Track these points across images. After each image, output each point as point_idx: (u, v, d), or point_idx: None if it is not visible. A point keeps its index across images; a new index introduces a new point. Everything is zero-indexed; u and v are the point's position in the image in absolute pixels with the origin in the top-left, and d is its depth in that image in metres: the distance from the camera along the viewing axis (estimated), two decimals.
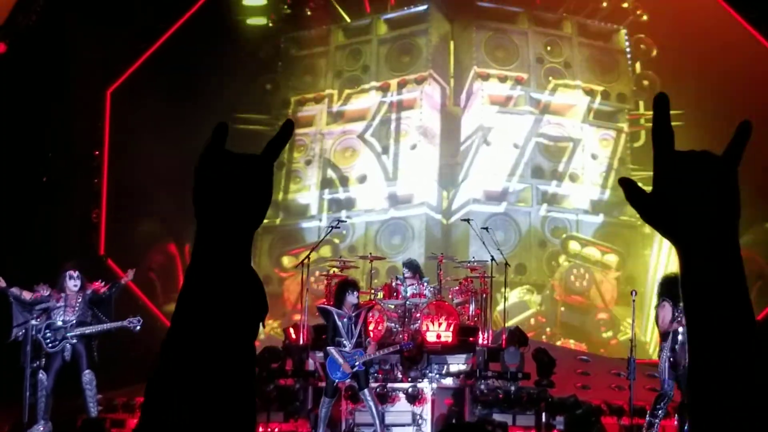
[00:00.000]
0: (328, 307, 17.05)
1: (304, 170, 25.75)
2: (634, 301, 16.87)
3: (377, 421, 16.62)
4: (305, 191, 25.65)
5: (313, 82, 26.00)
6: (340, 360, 16.41)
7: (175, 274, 24.34)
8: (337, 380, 16.50)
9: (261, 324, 2.55)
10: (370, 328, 18.51)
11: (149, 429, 2.44)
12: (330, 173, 25.64)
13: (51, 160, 23.15)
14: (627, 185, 2.63)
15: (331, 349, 16.51)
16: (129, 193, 23.89)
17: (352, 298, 16.62)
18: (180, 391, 2.44)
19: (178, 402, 2.44)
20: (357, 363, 16.37)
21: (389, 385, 17.99)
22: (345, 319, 16.50)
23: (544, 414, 17.76)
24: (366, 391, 16.54)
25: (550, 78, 25.33)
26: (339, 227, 20.36)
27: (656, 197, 2.59)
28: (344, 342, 16.42)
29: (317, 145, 25.80)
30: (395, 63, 25.65)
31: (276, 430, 17.51)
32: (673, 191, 2.58)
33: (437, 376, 18.40)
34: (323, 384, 17.02)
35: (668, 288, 15.88)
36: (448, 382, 18.38)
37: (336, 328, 16.53)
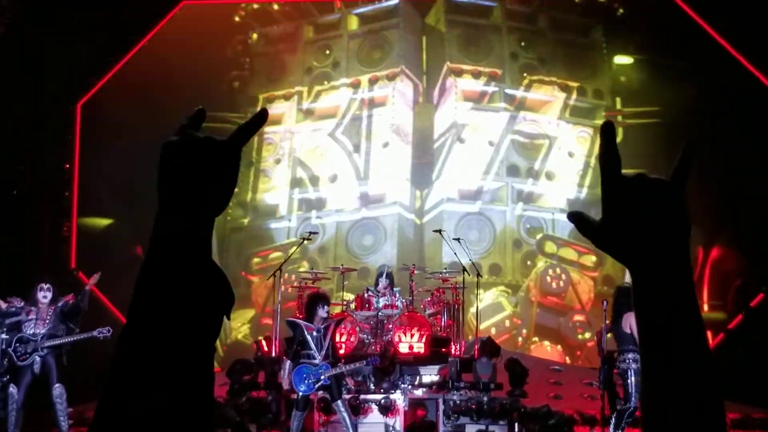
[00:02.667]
0: (297, 320, 17.55)
1: (273, 169, 25.98)
2: (605, 310, 17.08)
3: (350, 430, 17.08)
4: (274, 191, 25.87)
5: (282, 78, 26.26)
6: (284, 374, 17.28)
7: None
8: (302, 393, 16.97)
9: (226, 316, 2.53)
10: (342, 339, 19.35)
11: (104, 424, 2.42)
12: (300, 172, 25.87)
13: (21, 173, 23.69)
14: (576, 217, 2.68)
15: (286, 363, 17.31)
16: (100, 207, 24.52)
17: (322, 312, 17.17)
18: (134, 388, 2.42)
19: (133, 398, 2.42)
20: (324, 377, 16.90)
21: (362, 396, 18.56)
22: (314, 332, 17.07)
23: (516, 424, 18.39)
24: (339, 402, 17.09)
25: (525, 74, 25.70)
26: (311, 239, 20.89)
27: (606, 223, 2.65)
28: (314, 354, 16.98)
29: (287, 143, 26.08)
30: (366, 59, 25.95)
31: None
32: (622, 216, 2.63)
33: (409, 387, 18.99)
34: (296, 396, 17.41)
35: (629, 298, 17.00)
36: (421, 393, 18.92)
37: (304, 341, 17.08)
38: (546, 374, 22.22)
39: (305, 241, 20.75)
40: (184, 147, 2.59)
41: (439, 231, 20.86)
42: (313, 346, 17.16)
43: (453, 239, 20.16)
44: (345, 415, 17.16)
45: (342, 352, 19.47)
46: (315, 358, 17.09)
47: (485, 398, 18.82)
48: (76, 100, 25.10)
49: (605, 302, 17.50)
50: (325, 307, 17.40)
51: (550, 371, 22.69)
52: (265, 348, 19.89)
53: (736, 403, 19.77)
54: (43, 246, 24.15)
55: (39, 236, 24.11)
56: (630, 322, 16.20)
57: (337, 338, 19.15)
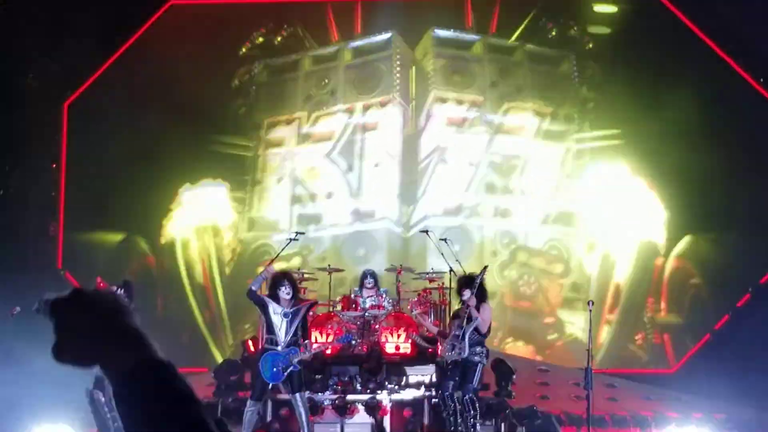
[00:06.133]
0: (265, 297, 13.30)
1: (275, 187, 22.72)
2: (590, 311, 14.31)
3: (305, 429, 13.05)
4: (275, 208, 22.58)
5: (283, 105, 22.97)
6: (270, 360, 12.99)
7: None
8: (270, 381, 12.98)
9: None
10: (329, 340, 15.42)
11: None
12: (299, 190, 22.68)
13: (8, 173, 19.65)
14: None
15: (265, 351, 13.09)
16: (87, 206, 20.58)
17: (283, 294, 13.05)
18: None
19: None
20: (293, 362, 12.87)
21: (348, 396, 14.73)
22: (280, 315, 12.96)
23: (503, 424, 14.58)
24: (298, 395, 13.03)
25: (503, 101, 22.58)
26: (297, 239, 16.68)
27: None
28: (277, 340, 12.96)
29: (287, 164, 22.82)
30: (360, 87, 22.83)
31: None
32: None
33: (396, 387, 15.05)
34: (283, 395, 13.59)
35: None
36: (408, 393, 14.94)
37: (270, 324, 13.01)
38: (533, 374, 18.39)
39: (292, 241, 16.18)
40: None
41: (426, 231, 17.05)
42: (277, 330, 12.92)
43: (440, 239, 16.26)
44: (302, 410, 12.96)
45: (329, 352, 14.64)
46: (278, 344, 12.89)
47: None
48: (63, 99, 20.93)
49: (591, 303, 14.49)
50: (286, 288, 13.09)
51: (537, 371, 18.94)
52: (252, 348, 15.91)
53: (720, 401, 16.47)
54: (29, 246, 19.74)
55: (25, 236, 19.67)
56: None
57: (321, 338, 13.99)
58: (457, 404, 13.21)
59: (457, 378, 13.37)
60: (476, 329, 13.41)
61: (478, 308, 13.49)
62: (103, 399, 13.12)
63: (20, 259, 18.42)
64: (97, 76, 21.11)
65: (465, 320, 13.42)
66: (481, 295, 13.69)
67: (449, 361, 13.52)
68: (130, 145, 19.97)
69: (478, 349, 13.49)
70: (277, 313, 12.98)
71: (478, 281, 13.66)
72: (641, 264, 21.16)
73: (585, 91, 22.36)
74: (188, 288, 21.68)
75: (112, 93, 20.59)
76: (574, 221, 21.69)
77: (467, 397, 13.27)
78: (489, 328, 13.87)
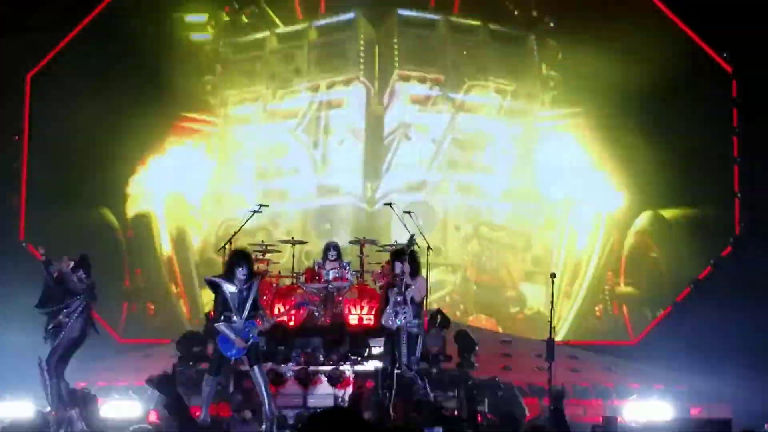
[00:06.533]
0: (216, 279, 12.84)
1: (241, 163, 22.25)
2: (553, 283, 14.00)
3: (266, 402, 12.61)
4: (241, 183, 22.13)
5: (249, 83, 22.41)
6: (232, 336, 12.49)
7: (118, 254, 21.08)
8: (232, 357, 12.65)
9: None
10: (291, 311, 15.01)
11: None
12: (264, 165, 22.21)
13: None
14: None
15: (221, 326, 12.55)
16: (51, 179, 20.01)
17: (240, 274, 12.57)
18: None
19: None
20: (252, 335, 12.52)
21: (311, 368, 14.32)
22: (236, 292, 12.53)
23: (465, 396, 13.97)
24: (256, 368, 12.65)
25: (466, 79, 22.11)
26: (261, 211, 16.45)
27: None
28: (233, 317, 12.49)
29: (253, 140, 22.31)
30: (325, 66, 22.28)
31: (197, 413, 12.91)
32: None
33: (359, 359, 14.58)
34: (244, 367, 12.97)
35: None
36: (370, 365, 14.42)
37: (226, 301, 12.55)
38: (496, 346, 17.97)
39: (255, 213, 16.17)
40: None
41: (390, 204, 16.62)
42: (233, 306, 12.52)
43: (404, 212, 15.99)
44: (261, 382, 12.64)
45: (291, 324, 14.13)
46: (234, 321, 12.48)
47: (434, 370, 14.45)
48: (26, 71, 20.29)
49: (553, 275, 14.20)
50: (244, 268, 12.64)
51: (499, 343, 18.57)
52: None
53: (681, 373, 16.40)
54: None
55: None
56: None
57: (282, 309, 13.50)
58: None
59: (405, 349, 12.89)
60: (412, 299, 12.91)
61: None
62: (45, 367, 12.70)
63: None
64: (60, 48, 20.52)
65: (403, 287, 12.94)
66: (414, 266, 13.20)
67: (394, 329, 12.95)
68: (93, 118, 19.42)
69: (416, 321, 13.00)
70: (231, 292, 12.53)
71: (408, 250, 13.24)
72: (600, 238, 20.98)
73: (546, 69, 21.96)
74: (155, 260, 21.32)
75: (76, 65, 19.95)
76: (535, 197, 21.46)
77: (414, 369, 12.81)
78: (424, 300, 13.48)
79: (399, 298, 12.97)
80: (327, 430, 5.00)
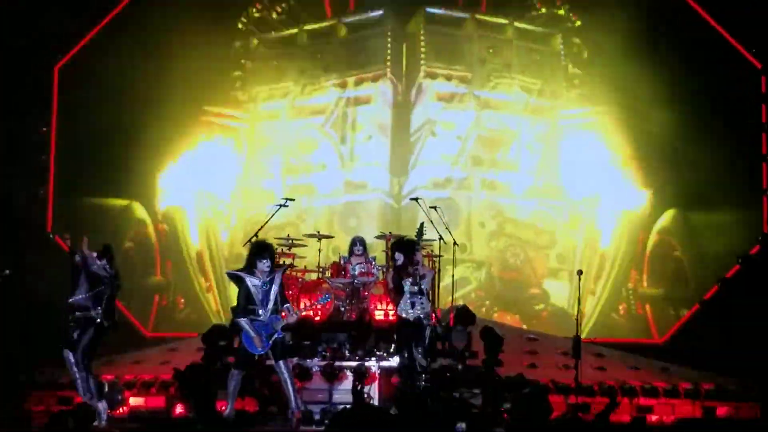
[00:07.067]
0: (239, 272, 12.32)
1: (270, 159, 21.89)
2: (579, 280, 13.75)
3: (292, 397, 12.19)
4: (270, 178, 21.78)
5: (278, 79, 22.03)
6: (252, 333, 12.03)
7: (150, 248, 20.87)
8: (258, 354, 12.12)
9: None
10: (317, 306, 14.48)
11: None
12: (293, 161, 21.85)
13: None
14: None
15: (242, 323, 12.08)
16: (78, 171, 19.56)
17: (262, 266, 12.09)
18: None
19: None
20: (276, 329, 12.04)
21: (337, 363, 13.81)
22: (258, 285, 12.06)
23: (491, 393, 13.42)
24: (281, 363, 12.16)
25: (492, 77, 21.70)
26: (287, 205, 15.73)
27: None
28: (258, 311, 12.04)
29: (281, 135, 21.97)
30: (353, 62, 21.94)
31: (223, 408, 12.56)
32: None
33: (384, 354, 14.04)
34: (270, 361, 12.36)
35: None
36: (396, 360, 13.70)
37: (249, 294, 12.05)
38: (521, 343, 17.30)
39: (281, 207, 15.54)
40: None
41: (416, 199, 15.70)
42: (257, 300, 12.04)
43: (430, 207, 15.14)
44: (286, 377, 12.15)
45: (317, 319, 14.74)
46: (260, 314, 12.02)
47: (460, 367, 13.94)
48: (54, 62, 19.83)
49: (580, 272, 13.93)
50: (266, 261, 12.14)
51: (525, 340, 17.84)
52: None
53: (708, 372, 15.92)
54: (18, 209, 18.55)
55: (15, 199, 18.50)
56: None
57: (308, 303, 13.08)
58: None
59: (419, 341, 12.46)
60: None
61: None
62: (72, 360, 12.30)
63: (8, 222, 17.49)
64: (88, 39, 20.18)
65: (418, 278, 12.49)
66: (411, 256, 12.74)
67: (412, 319, 12.43)
68: (122, 111, 19.14)
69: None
70: (254, 285, 12.06)
71: (420, 240, 13.01)
72: (624, 237, 20.54)
73: (571, 68, 21.52)
74: (185, 254, 21.03)
75: (104, 57, 19.67)
76: (559, 194, 21.01)
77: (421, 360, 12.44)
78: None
79: (414, 289, 12.54)
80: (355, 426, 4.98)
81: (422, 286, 12.58)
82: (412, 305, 12.49)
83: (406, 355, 12.53)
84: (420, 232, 13.09)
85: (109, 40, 20.20)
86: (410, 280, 12.55)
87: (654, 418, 13.75)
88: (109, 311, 12.57)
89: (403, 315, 12.50)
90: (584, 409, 13.40)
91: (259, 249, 12.29)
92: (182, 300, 20.88)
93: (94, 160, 19.54)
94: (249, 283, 12.04)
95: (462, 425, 11.87)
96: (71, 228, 14.00)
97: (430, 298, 13.29)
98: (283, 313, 12.10)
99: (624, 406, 14.21)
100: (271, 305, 11.99)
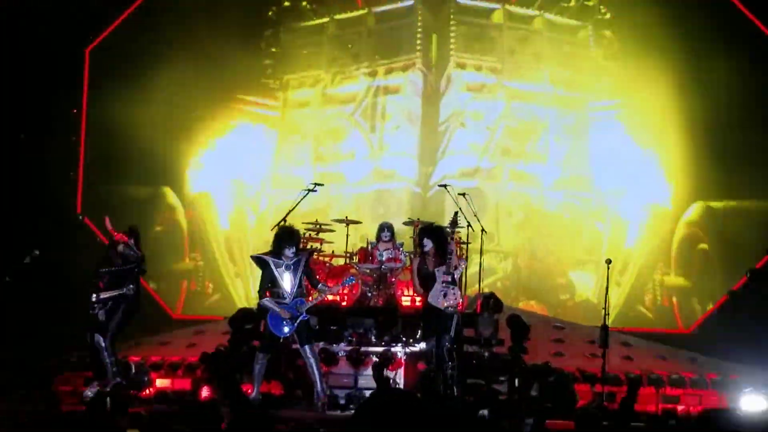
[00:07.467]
0: (264, 256, 12.12)
1: (300, 147, 21.69)
2: (608, 269, 13.25)
3: (318, 381, 12.01)
4: (300, 166, 21.53)
5: (308, 68, 21.85)
6: (277, 309, 11.78)
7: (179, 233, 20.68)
8: (282, 336, 11.91)
9: None
10: (344, 291, 14.41)
11: None
12: (322, 150, 21.67)
13: (29, 118, 18.21)
14: None
15: (267, 302, 11.85)
16: (108, 154, 19.46)
17: (288, 252, 11.85)
18: None
19: None
20: (301, 312, 11.79)
21: (362, 348, 13.51)
22: (283, 268, 11.82)
23: (517, 380, 13.28)
24: (307, 347, 11.95)
25: (521, 68, 21.41)
26: (316, 190, 15.51)
27: None
28: (283, 293, 11.81)
29: (311, 123, 21.78)
30: (383, 52, 21.66)
31: (249, 391, 12.33)
32: None
33: (411, 340, 13.68)
34: (296, 345, 12.15)
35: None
36: (422, 346, 13.25)
37: (274, 278, 11.83)
38: (547, 331, 17.01)
39: (309, 192, 15.26)
40: None
41: (445, 186, 15.41)
42: (282, 283, 11.77)
43: (459, 194, 14.78)
44: (312, 361, 11.93)
45: (344, 304, 14.51)
46: (285, 297, 11.75)
47: (486, 354, 13.71)
48: (84, 45, 19.60)
49: (609, 261, 13.38)
50: (293, 247, 11.89)
51: (552, 328, 17.52)
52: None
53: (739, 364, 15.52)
54: (48, 191, 18.30)
55: (44, 181, 18.22)
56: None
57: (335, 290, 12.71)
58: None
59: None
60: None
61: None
62: (103, 344, 12.07)
63: (38, 203, 17.28)
64: (119, 22, 20.00)
65: (451, 267, 12.14)
66: (443, 246, 12.36)
67: (443, 309, 12.06)
68: (152, 95, 18.86)
69: None
70: (279, 269, 11.82)
71: (452, 229, 12.63)
72: (651, 228, 20.17)
73: (601, 59, 21.11)
74: (214, 240, 20.84)
75: (136, 41, 19.53)
76: (586, 186, 20.65)
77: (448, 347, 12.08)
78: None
79: (447, 278, 12.17)
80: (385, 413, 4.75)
81: (455, 276, 12.25)
82: (444, 295, 12.12)
83: (432, 342, 12.24)
84: (454, 222, 12.73)
85: (141, 24, 20.00)
86: (443, 269, 12.21)
87: (680, 408, 13.40)
88: (137, 293, 12.41)
89: (433, 304, 12.15)
90: (610, 399, 13.09)
91: (285, 234, 12.03)
92: (210, 285, 20.72)
93: (124, 144, 19.32)
94: (273, 267, 11.80)
95: (485, 411, 11.59)
96: (99, 210, 13.90)
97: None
98: (309, 297, 11.87)
99: (650, 396, 13.93)
100: (295, 289, 11.76)
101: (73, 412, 11.22)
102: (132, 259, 12.30)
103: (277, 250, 11.91)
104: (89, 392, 12.14)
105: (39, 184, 18.12)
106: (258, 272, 12.27)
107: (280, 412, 11.85)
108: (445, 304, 12.05)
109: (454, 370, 12.02)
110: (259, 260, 12.11)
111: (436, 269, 12.17)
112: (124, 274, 12.27)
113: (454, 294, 12.11)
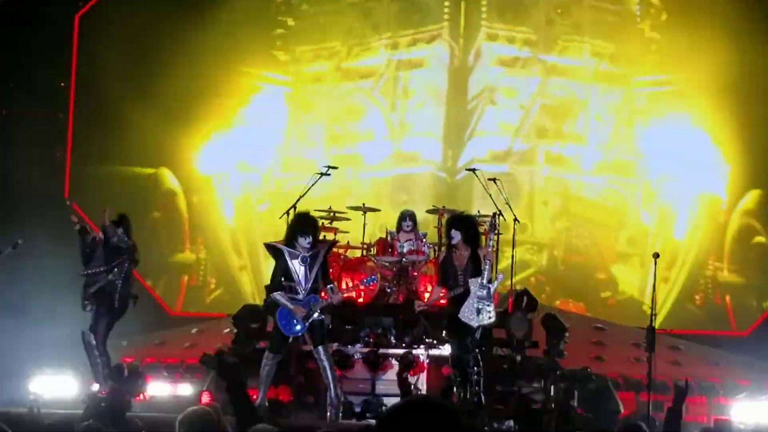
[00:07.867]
0: (279, 245, 12.00)
1: (312, 127, 21.70)
2: (656, 264, 13.29)
3: (331, 386, 11.87)
4: (312, 148, 21.53)
5: (323, 39, 21.82)
6: (290, 305, 11.64)
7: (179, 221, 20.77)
8: (293, 335, 11.83)
9: None
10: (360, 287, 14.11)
11: None
12: (337, 130, 21.72)
13: (11, 90, 18.23)
14: None
15: (278, 296, 11.72)
16: (98, 132, 19.44)
17: (304, 242, 11.69)
18: None
19: None
20: (314, 311, 11.63)
21: (381, 350, 13.50)
22: (299, 260, 11.66)
23: (552, 387, 13.33)
24: (321, 348, 11.82)
25: (559, 40, 21.31)
26: (329, 174, 15.40)
27: None
28: (297, 288, 11.68)
29: (325, 101, 21.81)
30: (405, 22, 21.63)
31: (254, 396, 12.05)
32: None
33: (435, 342, 13.64)
34: (308, 346, 12.25)
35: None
36: (447, 349, 13.17)
37: (287, 270, 11.68)
38: (587, 333, 17.10)
39: (323, 176, 15.21)
40: None
41: (473, 170, 15.50)
42: (296, 277, 11.64)
43: (488, 180, 14.87)
44: (326, 364, 11.80)
45: (360, 301, 14.33)
46: (298, 293, 11.61)
47: (518, 357, 13.67)
48: (74, 10, 19.61)
49: (656, 255, 13.38)
50: (308, 237, 11.72)
51: (592, 329, 17.62)
52: None
53: None
54: (33, 172, 18.38)
55: (29, 161, 18.25)
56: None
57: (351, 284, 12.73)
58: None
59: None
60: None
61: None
62: (94, 342, 12.16)
63: (23, 186, 17.31)
64: None
65: (485, 278, 11.91)
66: (474, 239, 12.21)
67: (475, 326, 11.89)
68: (147, 68, 18.95)
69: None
70: (294, 260, 11.70)
71: (491, 233, 12.54)
72: (703, 219, 20.11)
73: (648, 31, 20.97)
74: (218, 228, 20.92)
75: (130, 6, 19.42)
76: (631, 171, 20.61)
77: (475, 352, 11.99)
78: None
79: (482, 292, 11.97)
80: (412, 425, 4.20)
81: (491, 290, 12.04)
82: (478, 312, 11.92)
83: (457, 346, 12.13)
84: (493, 225, 12.63)
85: None
86: (478, 281, 11.97)
87: (735, 418, 13.34)
88: (129, 286, 12.50)
89: (463, 320, 11.97)
90: (657, 409, 13.05)
91: (301, 222, 11.92)
92: (213, 280, 20.78)
93: (117, 122, 19.36)
94: (288, 258, 11.69)
95: (510, 422, 11.56)
96: (89, 194, 13.93)
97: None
98: (324, 294, 11.75)
99: (702, 406, 13.89)
100: (310, 284, 11.65)
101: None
102: (123, 251, 12.37)
103: (291, 239, 11.81)
104: (85, 395, 12.29)
105: (22, 165, 18.06)
106: (268, 264, 12.24)
107: (290, 420, 11.87)
108: (477, 324, 11.89)
109: (480, 375, 11.91)
110: (272, 248, 12.01)
111: (470, 280, 11.95)
112: (113, 269, 12.39)
113: (489, 312, 11.88)
